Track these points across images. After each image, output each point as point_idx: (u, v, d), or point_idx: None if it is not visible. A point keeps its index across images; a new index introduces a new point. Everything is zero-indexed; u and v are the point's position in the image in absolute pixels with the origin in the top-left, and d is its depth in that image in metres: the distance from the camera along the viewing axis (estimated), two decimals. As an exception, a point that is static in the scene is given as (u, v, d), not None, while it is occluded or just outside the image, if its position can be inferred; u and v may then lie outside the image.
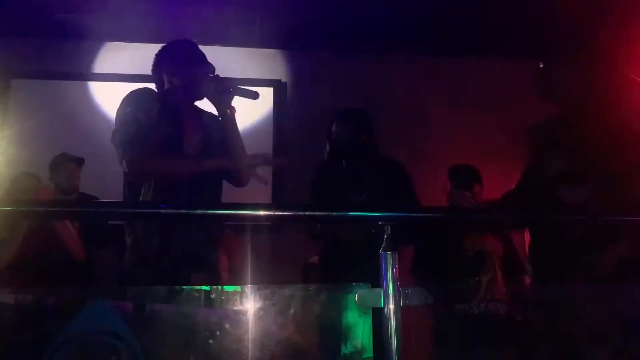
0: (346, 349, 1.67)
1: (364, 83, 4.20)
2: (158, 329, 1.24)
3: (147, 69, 2.26)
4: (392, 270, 1.15)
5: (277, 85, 4.15)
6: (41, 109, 3.71)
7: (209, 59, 2.93)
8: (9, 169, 3.08)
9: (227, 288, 1.43)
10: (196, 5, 3.61)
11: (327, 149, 2.72)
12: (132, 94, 2.03)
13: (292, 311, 1.37)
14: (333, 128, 2.66)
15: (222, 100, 2.03)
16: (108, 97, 3.81)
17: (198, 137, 2.04)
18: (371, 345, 1.57)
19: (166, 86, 2.12)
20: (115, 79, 3.87)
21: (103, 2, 3.44)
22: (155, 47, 3.28)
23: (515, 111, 3.86)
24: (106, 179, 2.12)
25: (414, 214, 1.22)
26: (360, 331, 1.56)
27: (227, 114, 2.04)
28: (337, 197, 2.51)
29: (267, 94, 4.12)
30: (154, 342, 1.24)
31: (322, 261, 2.65)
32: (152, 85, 2.23)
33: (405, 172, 2.66)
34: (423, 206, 1.18)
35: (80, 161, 3.03)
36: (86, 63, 3.93)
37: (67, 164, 2.98)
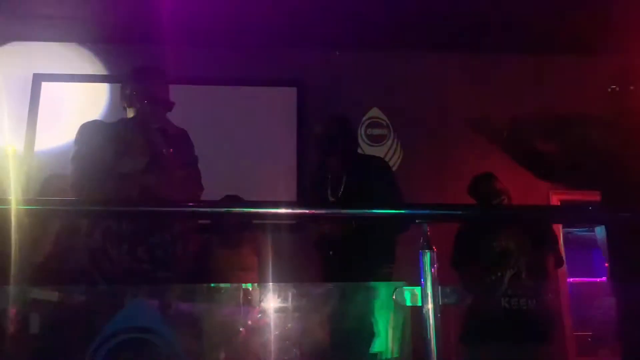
0: (377, 348, 1.67)
1: (387, 81, 4.18)
2: (195, 326, 1.25)
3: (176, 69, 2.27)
4: (431, 269, 1.14)
5: (301, 85, 4.15)
6: (71, 111, 3.78)
7: (237, 61, 2.92)
8: (41, 171, 3.14)
9: (248, 286, 1.43)
10: (216, 6, 3.63)
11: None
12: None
13: (326, 308, 1.37)
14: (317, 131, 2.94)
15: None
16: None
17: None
18: (400, 343, 1.57)
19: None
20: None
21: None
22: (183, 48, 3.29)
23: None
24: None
25: (452, 212, 1.20)
26: (393, 329, 1.55)
27: None
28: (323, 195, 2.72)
29: (290, 94, 4.14)
30: (192, 339, 1.25)
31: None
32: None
33: (383, 168, 2.84)
34: (460, 204, 1.17)
35: None
36: (116, 65, 3.98)
37: None
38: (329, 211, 1.36)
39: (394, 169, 4.05)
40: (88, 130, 2.08)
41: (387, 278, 2.31)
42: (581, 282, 4.71)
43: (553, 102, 3.94)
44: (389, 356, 1.47)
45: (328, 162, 2.82)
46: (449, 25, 3.85)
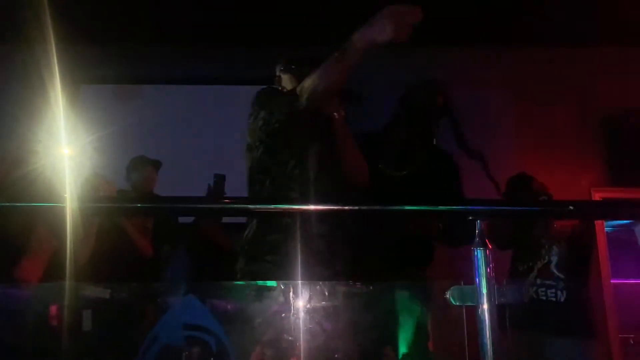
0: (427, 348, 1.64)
1: (417, 78, 4.12)
2: (245, 324, 1.25)
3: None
4: (486, 267, 1.11)
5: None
6: (110, 113, 3.84)
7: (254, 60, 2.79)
8: (83, 171, 3.20)
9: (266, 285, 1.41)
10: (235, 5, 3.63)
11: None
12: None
13: (373, 308, 1.35)
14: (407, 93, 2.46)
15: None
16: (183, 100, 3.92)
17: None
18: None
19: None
20: (188, 82, 3.98)
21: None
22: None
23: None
24: (182, 182, 2.18)
25: (506, 207, 1.16)
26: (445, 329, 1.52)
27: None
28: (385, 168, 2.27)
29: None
30: (243, 337, 1.24)
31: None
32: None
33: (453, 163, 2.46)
34: (515, 200, 1.13)
35: (157, 164, 3.12)
36: (157, 66, 4.03)
37: (144, 166, 3.08)
38: (373, 207, 1.33)
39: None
40: (268, 95, 1.86)
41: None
42: (624, 283, 4.55)
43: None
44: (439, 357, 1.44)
45: (404, 131, 2.32)
46: (479, 18, 3.76)
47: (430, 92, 2.38)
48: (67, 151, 2.08)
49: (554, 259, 2.74)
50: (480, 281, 1.12)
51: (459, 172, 2.45)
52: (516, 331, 2.51)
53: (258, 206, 1.22)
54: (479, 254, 1.12)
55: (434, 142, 2.39)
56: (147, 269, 2.88)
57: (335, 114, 1.76)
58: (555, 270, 2.72)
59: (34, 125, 2.24)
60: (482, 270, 1.11)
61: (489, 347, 1.09)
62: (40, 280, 1.73)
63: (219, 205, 1.41)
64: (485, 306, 1.10)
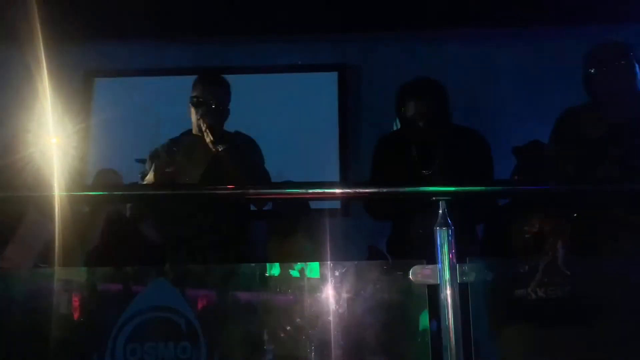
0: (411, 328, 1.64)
1: (432, 62, 4.06)
2: (219, 308, 1.28)
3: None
4: (447, 247, 1.11)
5: (342, 69, 4.12)
6: (124, 107, 3.90)
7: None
8: (95, 165, 3.30)
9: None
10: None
11: (397, 125, 2.68)
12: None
13: (350, 287, 1.36)
14: (403, 103, 2.56)
15: None
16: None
17: None
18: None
19: None
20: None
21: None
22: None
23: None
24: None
25: (469, 188, 1.16)
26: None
27: None
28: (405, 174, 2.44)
29: (331, 79, 4.12)
30: (215, 321, 1.27)
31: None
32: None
33: (480, 141, 2.54)
34: (478, 180, 1.11)
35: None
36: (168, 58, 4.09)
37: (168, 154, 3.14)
38: (353, 191, 1.34)
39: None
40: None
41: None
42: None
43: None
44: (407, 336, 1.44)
45: (418, 138, 2.48)
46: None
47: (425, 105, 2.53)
48: (55, 140, 2.15)
49: (560, 254, 2.60)
50: (442, 261, 1.12)
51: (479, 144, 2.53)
52: (533, 334, 2.45)
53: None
54: (441, 233, 1.12)
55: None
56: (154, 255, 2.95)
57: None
58: (563, 267, 2.58)
59: (28, 116, 2.32)
60: (444, 249, 1.12)
61: (451, 325, 1.10)
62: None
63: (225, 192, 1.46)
64: (447, 284, 1.11)
